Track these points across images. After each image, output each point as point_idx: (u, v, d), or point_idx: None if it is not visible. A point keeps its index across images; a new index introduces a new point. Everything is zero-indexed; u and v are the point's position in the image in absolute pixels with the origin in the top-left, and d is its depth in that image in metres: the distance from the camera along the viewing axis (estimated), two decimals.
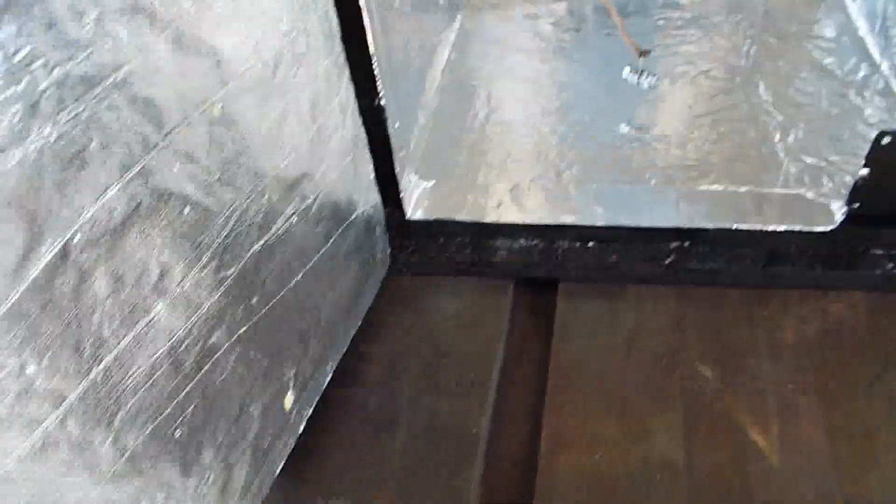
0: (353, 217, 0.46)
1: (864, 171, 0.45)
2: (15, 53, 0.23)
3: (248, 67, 0.34)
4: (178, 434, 0.32)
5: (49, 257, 0.25)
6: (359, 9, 0.41)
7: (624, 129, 0.59)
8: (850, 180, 0.48)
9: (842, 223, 0.47)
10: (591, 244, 0.51)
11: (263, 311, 0.38)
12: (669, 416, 0.44)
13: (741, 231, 0.49)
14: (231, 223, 0.34)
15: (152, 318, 0.30)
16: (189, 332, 0.32)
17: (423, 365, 0.48)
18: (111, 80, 0.27)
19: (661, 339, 0.48)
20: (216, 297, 0.34)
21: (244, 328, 0.36)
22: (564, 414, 0.45)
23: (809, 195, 0.50)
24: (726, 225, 0.49)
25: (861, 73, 0.60)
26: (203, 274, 0.33)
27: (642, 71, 0.62)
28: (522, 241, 0.52)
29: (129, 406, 0.29)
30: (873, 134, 0.55)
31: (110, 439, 0.29)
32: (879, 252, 0.48)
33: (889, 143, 0.43)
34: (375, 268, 0.51)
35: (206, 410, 0.34)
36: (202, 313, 0.33)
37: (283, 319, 0.40)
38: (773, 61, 0.64)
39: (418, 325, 0.51)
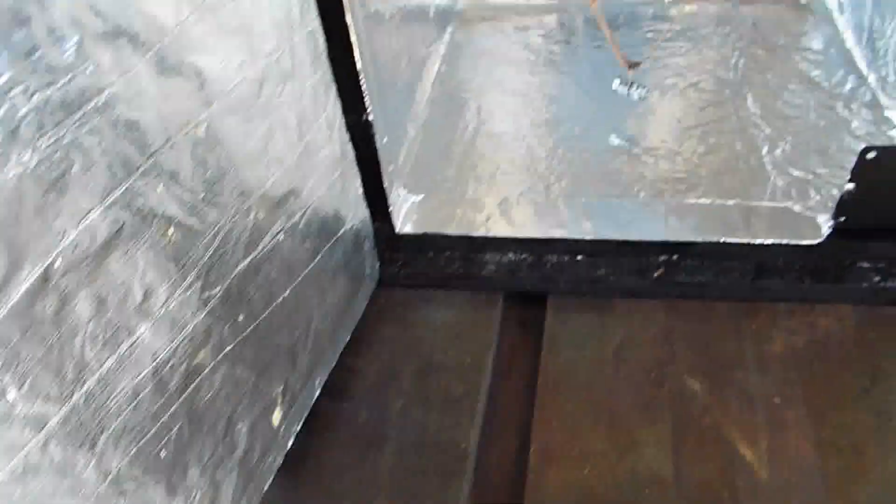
0: (340, 232, 0.46)
1: (850, 186, 0.45)
2: None
3: (233, 87, 0.34)
4: (163, 454, 0.32)
5: (29, 283, 0.25)
6: (346, 27, 0.42)
7: (614, 140, 0.59)
8: (836, 193, 0.48)
9: (828, 236, 0.47)
10: (579, 258, 0.51)
11: (250, 328, 0.38)
12: (658, 429, 0.44)
13: (729, 244, 0.49)
14: (216, 242, 0.34)
15: (136, 340, 0.30)
16: (174, 353, 0.32)
17: (412, 378, 0.48)
18: (92, 104, 0.27)
19: (649, 352, 0.48)
20: (201, 316, 0.34)
21: (230, 346, 0.36)
22: (553, 428, 0.45)
23: (797, 208, 0.50)
24: (714, 238, 0.49)
25: (848, 86, 0.61)
26: (188, 294, 0.33)
27: (632, 83, 0.63)
28: (511, 255, 0.52)
29: (112, 428, 0.29)
30: (860, 146, 0.55)
31: (93, 462, 0.29)
32: (866, 265, 0.48)
33: (874, 157, 0.44)
34: (364, 282, 0.51)
35: (191, 429, 0.34)
36: (187, 333, 0.33)
37: (270, 336, 0.40)
38: (761, 74, 0.64)
39: (408, 339, 0.51)
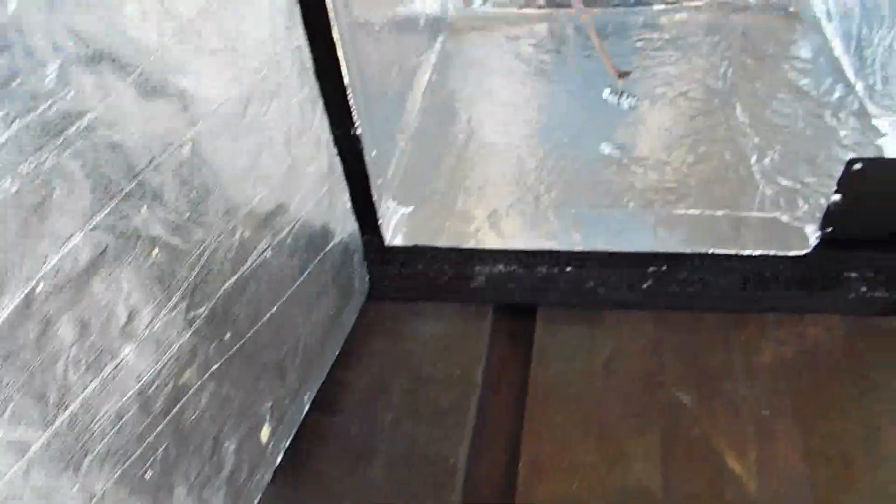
0: (329, 247, 0.46)
1: (837, 197, 0.45)
2: None
3: (218, 107, 0.34)
4: (148, 475, 0.32)
5: (11, 309, 0.25)
6: (332, 42, 0.42)
7: (605, 149, 0.59)
8: (824, 203, 0.48)
9: (816, 247, 0.48)
10: (569, 269, 0.51)
11: (237, 346, 0.38)
12: (647, 441, 0.44)
13: (718, 255, 0.49)
14: (202, 262, 0.34)
15: (120, 362, 0.30)
16: (158, 374, 0.32)
17: (402, 392, 0.48)
18: (74, 128, 0.27)
19: (638, 363, 0.48)
20: (187, 336, 0.34)
21: (217, 365, 0.36)
22: (543, 441, 0.45)
23: (784, 219, 0.50)
24: (703, 249, 0.49)
25: (836, 94, 0.61)
26: (173, 314, 0.33)
27: (622, 92, 0.63)
28: (501, 267, 0.52)
29: (96, 451, 0.29)
30: (848, 155, 0.55)
31: (78, 485, 0.29)
32: (854, 275, 0.48)
33: (860, 169, 0.44)
34: (354, 295, 0.51)
35: (177, 449, 0.34)
36: (172, 353, 0.33)
37: (258, 352, 0.40)
38: (750, 82, 0.64)
39: (398, 352, 0.51)
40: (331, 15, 0.41)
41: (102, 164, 0.28)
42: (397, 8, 0.61)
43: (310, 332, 0.45)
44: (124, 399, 0.30)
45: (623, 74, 0.63)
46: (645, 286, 0.50)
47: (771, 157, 0.56)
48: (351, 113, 0.45)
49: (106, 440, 0.30)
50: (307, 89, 0.41)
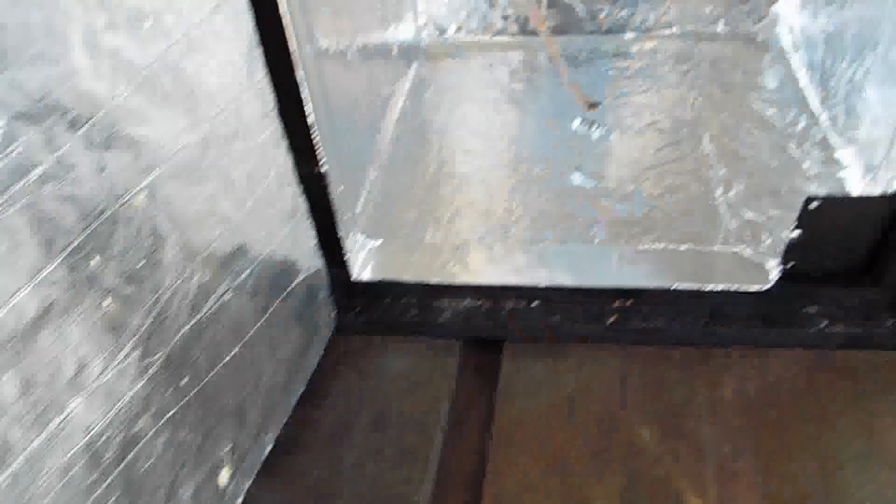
0: (293, 285, 0.46)
1: (796, 233, 0.46)
2: None
3: (175, 153, 0.34)
4: None
5: None
6: (295, 82, 0.42)
7: (576, 179, 0.60)
8: (787, 236, 0.49)
9: (778, 282, 0.48)
10: (535, 304, 0.51)
11: (194, 391, 0.38)
12: (609, 482, 0.44)
13: (681, 291, 0.49)
14: (157, 309, 0.34)
15: (67, 416, 0.30)
16: (109, 424, 0.32)
17: (367, 430, 0.48)
18: (21, 184, 0.26)
19: (603, 399, 0.48)
20: (140, 384, 0.34)
21: (172, 411, 0.36)
22: (505, 482, 0.45)
23: (747, 253, 0.51)
24: (667, 285, 0.49)
25: (801, 126, 0.62)
26: (125, 363, 0.32)
27: (592, 122, 0.63)
28: (468, 302, 0.52)
29: None
30: (811, 188, 0.56)
31: None
32: (814, 310, 0.48)
33: (817, 207, 0.44)
34: (319, 331, 0.51)
35: (129, 499, 0.34)
36: (124, 403, 0.33)
37: (217, 395, 0.40)
38: (717, 113, 0.65)
39: (364, 388, 0.51)
40: (294, 55, 0.41)
41: (51, 217, 0.28)
42: (370, 36, 0.61)
43: (273, 371, 0.45)
44: (71, 452, 0.30)
45: (592, 106, 0.63)
46: (609, 321, 0.50)
47: (736, 189, 0.57)
48: (316, 151, 0.45)
49: (51, 496, 0.29)
50: (270, 129, 0.41)
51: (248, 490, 0.43)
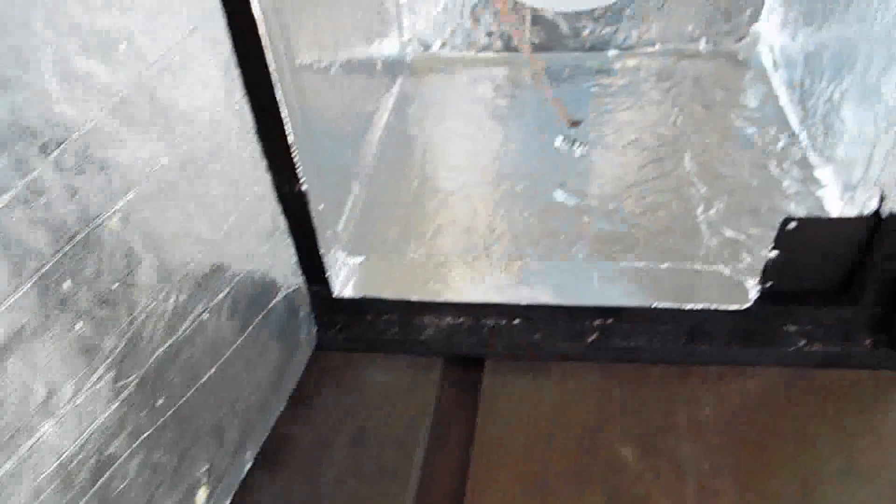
0: (272, 303, 0.46)
1: (774, 254, 0.46)
2: None
3: (150, 174, 0.34)
4: None
5: None
6: (275, 102, 0.42)
7: (559, 196, 0.60)
8: (766, 254, 0.49)
9: (756, 301, 0.48)
10: (516, 322, 0.51)
11: (170, 412, 0.37)
12: (590, 500, 0.44)
13: (662, 309, 0.49)
14: (131, 331, 0.34)
15: (37, 440, 0.29)
16: (82, 447, 0.32)
17: (347, 447, 0.48)
18: None
19: (583, 417, 0.48)
20: (114, 406, 0.33)
21: (147, 433, 0.36)
22: (485, 498, 0.44)
23: (727, 272, 0.51)
24: (647, 304, 0.49)
25: (781, 144, 0.62)
26: (98, 386, 0.32)
27: (574, 140, 0.64)
28: (449, 319, 0.52)
29: None
30: (790, 206, 0.57)
31: None
32: (793, 329, 0.49)
33: (795, 227, 0.45)
34: (300, 348, 0.51)
35: None
36: (97, 425, 0.32)
37: (193, 416, 0.39)
38: (699, 131, 0.65)
39: (345, 405, 0.51)
40: (273, 75, 0.41)
41: (21, 242, 0.28)
42: (353, 52, 0.61)
43: (252, 389, 0.45)
44: (42, 476, 0.30)
45: (574, 123, 0.64)
46: (590, 339, 0.50)
47: (717, 208, 0.58)
48: (296, 170, 0.45)
49: None
50: (249, 149, 0.41)
51: None
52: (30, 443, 0.29)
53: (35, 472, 0.29)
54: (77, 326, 0.31)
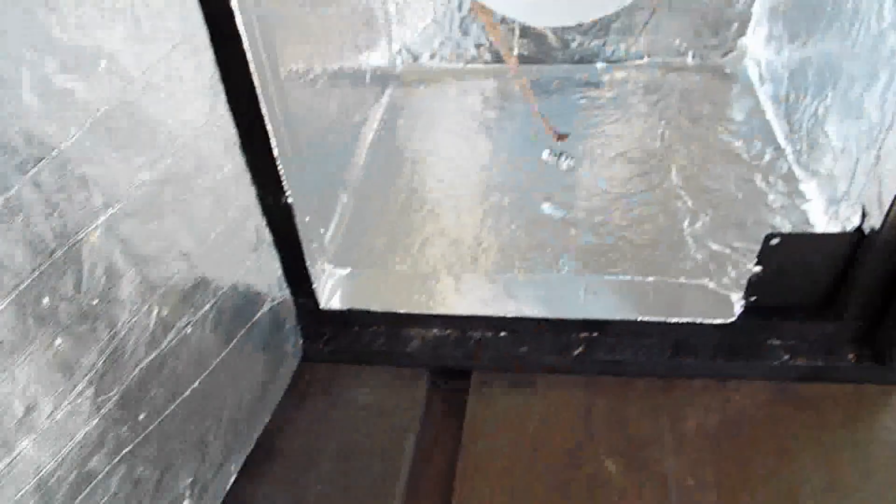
0: (257, 316, 0.46)
1: (757, 269, 0.46)
2: None
3: (132, 190, 0.34)
4: None
5: None
6: (261, 117, 0.42)
7: (546, 209, 0.60)
8: (751, 268, 0.49)
9: (741, 315, 0.49)
10: (503, 334, 0.51)
11: (153, 425, 0.37)
12: None
13: (646, 322, 0.50)
14: (112, 346, 0.34)
15: (15, 457, 0.29)
16: (61, 464, 0.32)
17: (333, 460, 0.48)
18: None
19: (568, 430, 0.48)
20: (94, 422, 0.33)
21: (129, 447, 0.36)
22: None
23: (712, 286, 0.51)
24: (632, 317, 0.50)
25: (766, 158, 0.63)
26: (78, 402, 0.32)
27: (560, 153, 0.64)
28: (436, 331, 0.52)
29: None
30: (776, 220, 0.57)
31: None
32: (777, 343, 0.49)
33: (778, 243, 0.45)
34: (286, 360, 0.51)
35: None
36: (77, 441, 0.32)
37: (176, 429, 0.39)
38: (685, 144, 0.66)
39: (331, 417, 0.50)
40: (257, 89, 0.41)
41: None
42: (342, 63, 0.62)
43: (236, 402, 0.45)
44: (21, 493, 0.30)
45: (561, 137, 0.64)
46: (576, 352, 0.50)
47: (703, 221, 0.58)
48: (281, 182, 0.45)
49: None
50: (233, 163, 0.41)
51: None
52: (8, 459, 0.29)
53: (15, 488, 0.29)
54: (56, 342, 0.31)
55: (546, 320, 0.51)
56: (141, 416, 0.36)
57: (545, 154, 0.65)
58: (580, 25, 0.73)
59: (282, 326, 0.49)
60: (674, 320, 0.49)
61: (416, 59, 0.79)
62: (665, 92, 0.73)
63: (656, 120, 0.69)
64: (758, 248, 0.46)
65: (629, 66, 0.76)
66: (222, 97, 0.39)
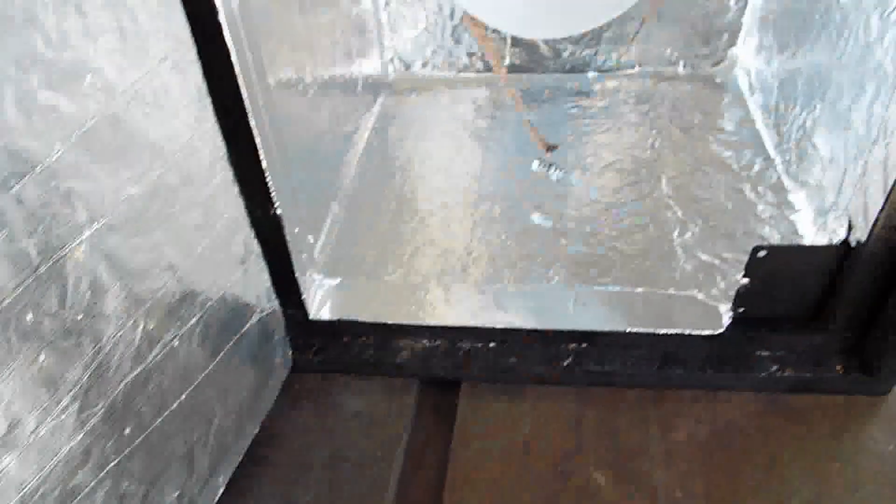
0: (245, 328, 0.46)
1: (745, 281, 0.47)
2: None
3: (117, 205, 0.34)
4: None
5: None
6: (250, 130, 0.42)
7: (536, 219, 0.60)
8: (739, 280, 0.49)
9: (729, 327, 0.49)
10: (492, 345, 0.51)
11: (138, 440, 0.37)
12: None
13: (636, 333, 0.50)
14: (97, 361, 0.33)
15: None
16: (45, 480, 0.31)
17: (322, 470, 0.48)
18: None
19: (557, 442, 0.48)
20: (79, 437, 0.33)
21: (115, 462, 0.36)
22: None
23: (700, 297, 0.51)
24: (621, 328, 0.50)
25: (756, 168, 0.63)
26: (62, 418, 0.32)
27: (550, 164, 0.64)
28: (425, 342, 0.52)
29: None
30: (765, 230, 0.57)
31: None
32: (765, 354, 0.49)
33: (765, 255, 0.45)
34: (275, 371, 0.51)
35: None
36: (61, 457, 0.32)
37: (163, 443, 0.39)
38: (676, 154, 0.66)
39: (320, 428, 0.50)
40: (246, 102, 0.41)
41: None
42: (332, 71, 0.62)
43: (224, 413, 0.45)
44: None
45: (550, 148, 0.64)
46: (565, 363, 0.50)
47: (692, 232, 0.58)
48: (270, 194, 0.45)
49: None
50: (221, 175, 0.41)
51: None
52: None
53: None
54: (41, 358, 0.30)
55: (535, 331, 0.51)
56: (126, 431, 0.36)
57: (535, 165, 0.65)
58: (571, 35, 0.73)
59: (270, 338, 0.49)
60: (662, 331, 0.49)
61: (408, 67, 0.79)
62: (656, 101, 0.73)
63: (647, 129, 0.69)
64: (746, 258, 0.47)
65: (620, 75, 0.76)
66: (209, 110, 0.39)
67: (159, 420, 0.39)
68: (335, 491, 0.47)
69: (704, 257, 0.56)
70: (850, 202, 0.46)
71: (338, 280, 0.55)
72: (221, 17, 0.37)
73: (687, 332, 0.49)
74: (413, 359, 0.52)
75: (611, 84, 0.76)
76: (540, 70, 0.77)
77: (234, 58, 0.39)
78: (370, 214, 0.63)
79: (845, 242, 0.45)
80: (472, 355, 0.51)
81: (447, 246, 0.59)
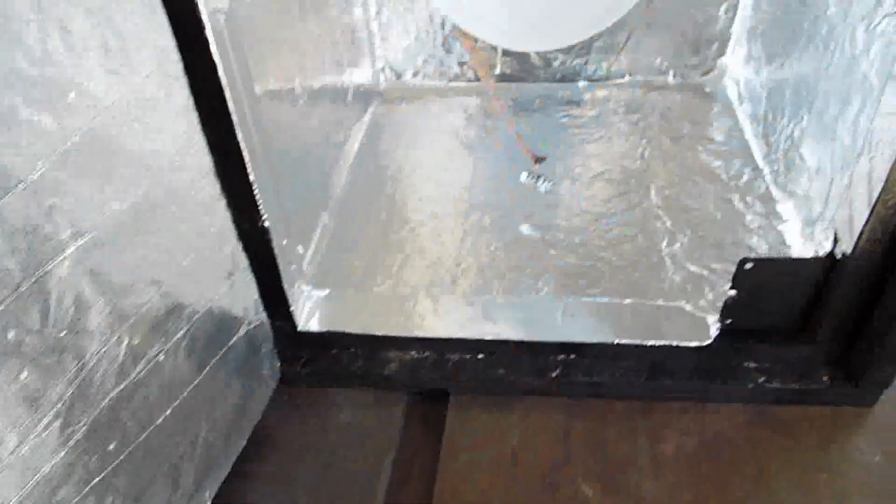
0: (232, 341, 0.46)
1: (732, 292, 0.47)
2: None
3: (103, 219, 0.34)
4: None
5: None
6: (237, 144, 0.42)
7: (527, 229, 0.61)
8: (726, 292, 0.50)
9: (717, 337, 0.49)
10: (480, 356, 0.51)
11: (123, 455, 0.37)
12: None
13: (624, 345, 0.50)
14: (80, 378, 0.33)
15: None
16: (27, 497, 0.31)
17: (309, 484, 0.48)
18: None
19: (546, 453, 0.48)
20: (61, 454, 0.33)
21: (99, 478, 0.35)
22: None
23: (689, 308, 0.51)
24: (609, 340, 0.50)
25: (745, 178, 0.63)
26: (44, 435, 0.32)
27: (539, 176, 0.64)
28: (414, 353, 0.52)
29: None
30: (753, 241, 0.58)
31: None
32: (752, 365, 0.49)
33: (752, 268, 0.45)
34: (262, 383, 0.50)
35: None
36: (44, 474, 0.32)
37: (148, 458, 0.39)
38: (665, 164, 0.66)
39: (307, 440, 0.50)
40: (233, 116, 0.41)
41: None
42: (323, 80, 0.62)
43: (211, 428, 0.44)
44: None
45: (539, 160, 0.64)
46: (553, 374, 0.50)
47: (681, 242, 0.58)
48: (258, 206, 0.45)
49: None
50: (208, 189, 0.41)
51: None
52: None
53: None
54: (22, 375, 0.30)
55: (523, 343, 0.51)
56: (111, 447, 0.36)
57: (523, 177, 0.65)
58: (559, 47, 0.73)
59: (258, 350, 0.49)
60: (651, 343, 0.49)
61: (399, 76, 0.79)
62: (646, 111, 0.73)
63: (637, 139, 0.70)
64: (734, 269, 0.47)
65: (611, 84, 0.77)
66: (196, 123, 0.39)
67: (144, 435, 0.38)
68: (324, 503, 0.46)
69: (693, 268, 0.56)
70: (836, 214, 0.46)
71: (326, 291, 0.55)
72: (208, 32, 0.37)
73: (675, 343, 0.49)
74: (402, 370, 0.52)
75: (601, 93, 0.76)
76: (531, 79, 0.77)
77: (220, 71, 0.39)
78: (360, 224, 0.63)
79: (831, 255, 0.45)
80: (461, 367, 0.51)
81: (436, 257, 0.59)
